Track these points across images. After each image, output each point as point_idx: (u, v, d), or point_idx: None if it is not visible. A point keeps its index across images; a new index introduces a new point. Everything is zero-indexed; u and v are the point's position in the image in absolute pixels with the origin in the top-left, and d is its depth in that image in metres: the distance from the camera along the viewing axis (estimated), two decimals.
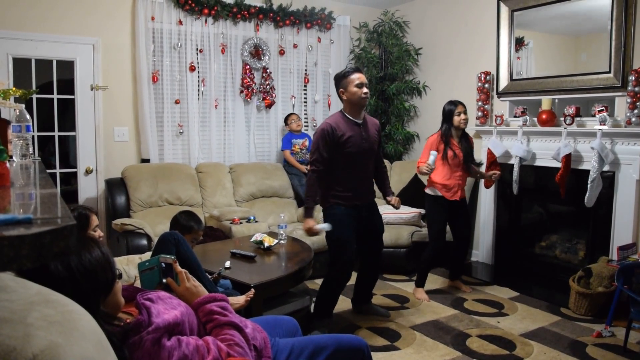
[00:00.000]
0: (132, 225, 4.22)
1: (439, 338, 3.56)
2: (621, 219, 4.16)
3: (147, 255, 3.03)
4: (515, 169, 4.76)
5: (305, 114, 6.19)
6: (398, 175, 5.81)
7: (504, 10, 5.05)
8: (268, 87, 5.76)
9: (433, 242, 4.32)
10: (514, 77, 5.06)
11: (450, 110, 4.22)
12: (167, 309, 1.46)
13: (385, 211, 4.67)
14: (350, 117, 3.47)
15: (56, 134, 4.82)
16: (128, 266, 2.97)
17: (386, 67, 6.31)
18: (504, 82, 5.13)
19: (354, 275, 3.86)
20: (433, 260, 4.37)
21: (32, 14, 4.56)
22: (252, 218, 4.85)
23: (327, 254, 3.98)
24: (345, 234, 3.51)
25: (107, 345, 1.07)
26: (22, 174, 1.63)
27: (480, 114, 5.27)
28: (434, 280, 4.73)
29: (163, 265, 1.78)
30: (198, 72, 5.38)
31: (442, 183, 4.22)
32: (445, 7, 5.86)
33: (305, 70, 6.14)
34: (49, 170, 4.87)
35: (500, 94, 5.17)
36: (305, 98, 6.20)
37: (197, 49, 5.34)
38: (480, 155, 5.20)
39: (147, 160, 5.12)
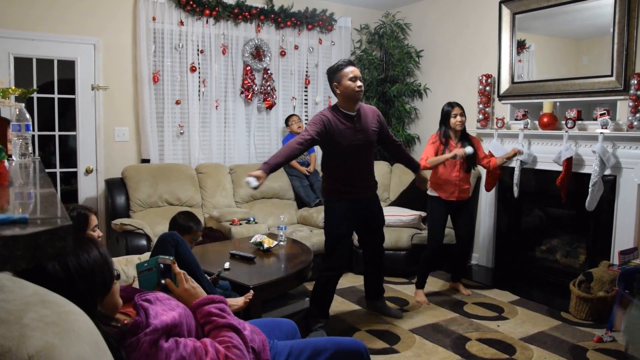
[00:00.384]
0: (132, 225, 4.21)
1: (439, 341, 3.54)
2: (622, 223, 4.14)
3: (147, 256, 3.02)
4: (516, 172, 4.74)
5: (306, 116, 6.19)
6: (398, 177, 5.80)
7: (506, 13, 5.05)
8: (269, 88, 5.75)
9: (429, 242, 4.32)
10: (516, 80, 5.05)
11: (447, 111, 4.24)
12: (165, 310, 1.45)
13: (386, 213, 4.66)
14: (344, 110, 3.45)
15: (57, 133, 4.81)
16: (127, 266, 2.96)
17: (387, 69, 6.31)
18: (505, 84, 5.12)
19: (359, 277, 3.86)
20: (431, 261, 4.35)
21: (34, 14, 4.55)
22: (251, 219, 4.84)
23: None
24: (343, 228, 3.52)
25: (104, 346, 1.06)
26: (21, 173, 1.62)
27: (481, 116, 5.26)
28: (434, 283, 4.72)
29: (162, 266, 1.77)
30: (199, 72, 5.37)
31: (438, 183, 4.24)
32: (447, 9, 5.85)
33: (306, 71, 6.13)
34: (49, 170, 4.86)
35: (501, 97, 5.17)
36: (306, 99, 6.20)
37: (198, 50, 5.34)
38: None
39: (147, 161, 5.11)
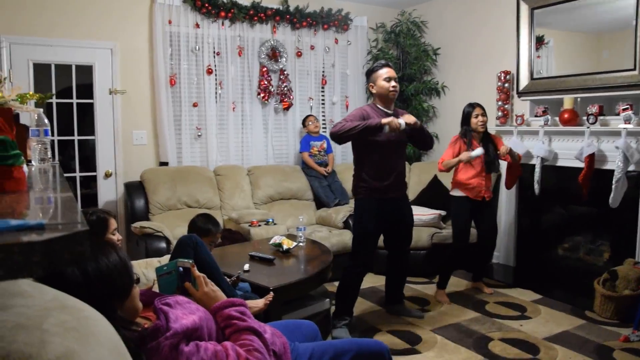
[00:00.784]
0: (151, 228, 4.23)
1: (461, 341, 3.50)
2: None
3: (166, 259, 3.02)
4: (537, 170, 4.68)
5: (323, 116, 6.17)
6: (417, 176, 5.75)
7: (524, 8, 4.97)
8: (285, 89, 5.75)
9: (455, 242, 4.31)
10: (535, 76, 4.98)
11: (468, 112, 4.23)
12: (185, 313, 1.44)
13: None
14: (382, 108, 3.54)
15: (76, 138, 4.85)
16: (147, 269, 2.97)
17: (404, 67, 6.26)
18: (524, 81, 5.05)
19: (381, 277, 3.85)
20: (454, 261, 4.32)
21: (51, 20, 4.60)
22: (270, 220, 4.83)
23: (346, 256, 3.97)
24: (370, 227, 3.54)
25: (124, 351, 1.05)
26: (39, 178, 1.63)
27: (500, 114, 5.19)
28: (456, 283, 4.67)
29: (181, 269, 1.76)
30: (215, 75, 5.38)
31: (465, 183, 4.21)
32: (464, 6, 5.79)
33: (323, 71, 6.11)
34: (68, 174, 4.92)
35: (520, 94, 5.09)
36: (323, 100, 6.18)
37: (214, 52, 5.35)
38: None
39: (166, 164, 5.14)
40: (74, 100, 4.81)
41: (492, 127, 5.17)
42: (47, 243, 0.62)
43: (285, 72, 5.75)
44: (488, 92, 5.35)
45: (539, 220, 5.10)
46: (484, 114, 4.20)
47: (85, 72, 4.84)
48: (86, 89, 4.87)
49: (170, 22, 5.07)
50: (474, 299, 4.33)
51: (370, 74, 3.59)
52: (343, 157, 6.24)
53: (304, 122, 5.76)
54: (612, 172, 4.09)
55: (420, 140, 3.73)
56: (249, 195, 5.28)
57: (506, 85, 5.17)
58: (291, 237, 4.12)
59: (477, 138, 4.21)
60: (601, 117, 4.32)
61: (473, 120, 4.18)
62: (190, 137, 5.31)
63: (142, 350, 1.32)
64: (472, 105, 4.22)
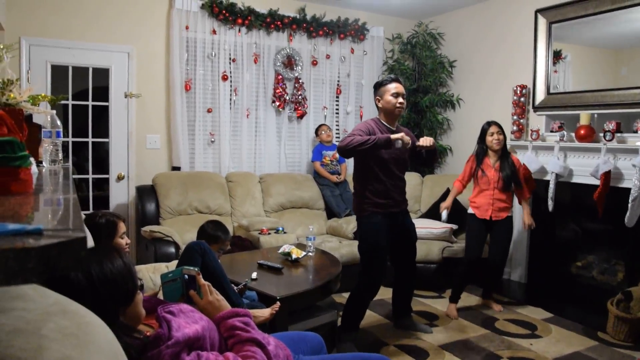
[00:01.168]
0: (161, 232, 4.23)
1: (469, 358, 3.44)
2: None
3: (174, 264, 3.01)
4: (551, 186, 4.62)
5: (337, 126, 6.15)
6: (430, 189, 5.70)
7: (542, 22, 4.94)
8: (300, 97, 5.75)
9: (465, 257, 4.30)
10: (551, 90, 4.93)
11: (484, 130, 4.23)
12: (188, 322, 1.42)
13: (417, 225, 4.58)
14: (385, 124, 3.51)
15: (90, 140, 4.88)
16: (154, 274, 2.96)
17: (419, 79, 6.23)
18: (540, 95, 5.00)
19: (389, 290, 3.81)
20: (465, 276, 4.28)
21: (70, 23, 4.65)
22: (280, 229, 4.81)
23: (355, 267, 3.93)
24: (379, 243, 3.49)
25: (124, 359, 1.04)
26: (49, 180, 1.63)
27: (515, 128, 5.14)
28: (465, 298, 4.60)
29: (186, 277, 1.74)
30: (230, 81, 5.40)
31: (472, 200, 4.29)
32: (481, 19, 5.76)
33: (338, 81, 6.10)
34: (82, 176, 4.94)
35: (536, 108, 5.04)
36: (337, 109, 6.17)
37: (230, 59, 5.37)
38: None
39: (178, 168, 5.15)
40: (90, 103, 4.84)
41: (507, 142, 5.11)
42: (44, 249, 0.60)
43: (300, 81, 5.75)
44: (503, 106, 5.31)
45: (552, 236, 5.03)
46: (501, 132, 4.17)
47: (102, 75, 4.88)
48: (102, 92, 4.91)
49: (187, 27, 5.09)
50: (483, 315, 4.26)
51: (378, 87, 3.55)
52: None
53: (316, 131, 5.75)
54: (628, 190, 4.02)
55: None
56: (260, 203, 5.27)
57: (522, 99, 5.12)
58: (300, 246, 4.09)
59: (493, 156, 4.19)
60: (618, 134, 4.25)
61: (488, 138, 4.18)
62: (203, 142, 5.32)
63: (143, 358, 1.30)
64: (489, 123, 4.22)
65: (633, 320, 3.68)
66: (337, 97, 6.13)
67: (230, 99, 5.42)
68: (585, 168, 4.46)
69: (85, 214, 2.64)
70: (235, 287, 2.82)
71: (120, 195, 5.03)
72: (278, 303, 2.77)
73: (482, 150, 4.22)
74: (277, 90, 5.60)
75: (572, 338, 3.82)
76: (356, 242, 4.83)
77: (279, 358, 1.65)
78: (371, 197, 3.46)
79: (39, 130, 2.09)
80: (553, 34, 4.88)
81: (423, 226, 4.88)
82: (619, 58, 4.63)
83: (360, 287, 3.57)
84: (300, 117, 5.79)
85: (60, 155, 2.01)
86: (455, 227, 4.98)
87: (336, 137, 6.06)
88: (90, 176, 4.94)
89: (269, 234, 4.67)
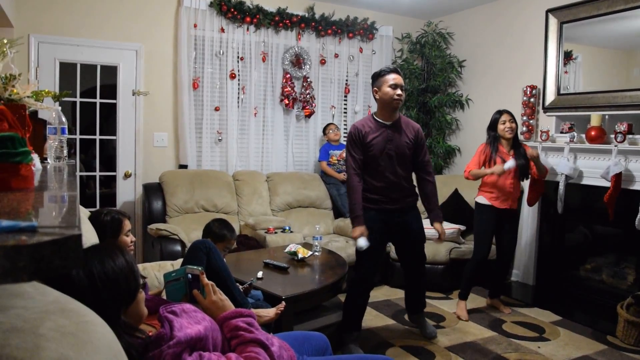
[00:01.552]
0: (167, 230, 4.22)
1: None
2: None
3: (180, 262, 3.00)
4: (561, 187, 4.57)
5: (345, 125, 6.13)
6: (438, 189, 5.61)
7: (553, 22, 4.89)
8: (308, 96, 5.73)
9: (474, 253, 4.22)
10: (562, 91, 4.88)
11: (496, 118, 4.18)
12: (190, 323, 1.40)
13: (424, 226, 4.55)
14: (379, 119, 3.41)
15: (97, 137, 4.88)
16: (160, 272, 2.95)
17: (428, 78, 6.20)
18: (550, 96, 4.95)
19: (394, 290, 3.77)
20: (474, 272, 4.22)
21: (79, 20, 4.65)
22: (287, 228, 4.79)
23: None
24: (369, 239, 3.36)
25: (124, 359, 1.02)
26: (52, 176, 1.61)
27: (525, 129, 5.10)
28: (472, 300, 4.56)
29: (190, 276, 1.72)
30: (238, 79, 5.38)
31: (490, 190, 4.14)
32: (491, 18, 5.72)
33: (346, 80, 6.08)
34: (89, 173, 4.95)
35: (546, 109, 4.99)
36: (345, 108, 6.14)
37: (238, 57, 5.35)
38: None
39: (185, 166, 5.14)
40: (97, 100, 4.84)
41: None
42: (36, 247, 0.58)
43: (309, 80, 5.73)
44: (513, 107, 5.24)
45: (561, 239, 4.98)
46: (513, 121, 4.14)
47: (110, 72, 4.88)
48: (110, 90, 4.91)
49: (195, 25, 5.08)
50: (490, 317, 4.23)
51: (376, 77, 3.40)
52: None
53: (324, 130, 5.73)
54: (639, 192, 3.97)
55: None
56: (266, 202, 5.26)
57: (532, 100, 5.08)
58: (307, 245, 4.08)
59: (505, 145, 4.13)
60: (630, 136, 4.20)
61: (500, 127, 4.12)
62: (210, 141, 5.31)
63: (145, 358, 1.29)
64: (500, 112, 4.18)
65: None
66: (346, 96, 6.10)
67: (238, 98, 5.40)
68: (595, 170, 4.40)
69: (90, 211, 2.63)
70: (240, 286, 2.80)
71: (127, 192, 5.02)
72: (283, 303, 2.75)
73: (495, 139, 4.14)
74: (285, 89, 5.58)
75: (580, 342, 3.77)
76: None
77: (282, 359, 1.63)
78: (365, 193, 3.41)
79: (44, 126, 2.08)
80: (564, 34, 4.83)
81: (430, 227, 4.83)
82: (631, 59, 4.57)
83: (353, 283, 3.52)
84: (308, 116, 5.77)
85: (66, 151, 2.00)
86: (463, 228, 4.94)
87: (344, 137, 6.03)
88: (98, 174, 4.95)
89: (276, 233, 4.66)
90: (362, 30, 5.98)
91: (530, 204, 4.80)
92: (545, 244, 5.06)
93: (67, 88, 4.57)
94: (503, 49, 5.57)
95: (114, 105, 4.92)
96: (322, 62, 5.82)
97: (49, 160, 1.97)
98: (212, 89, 5.26)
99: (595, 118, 4.43)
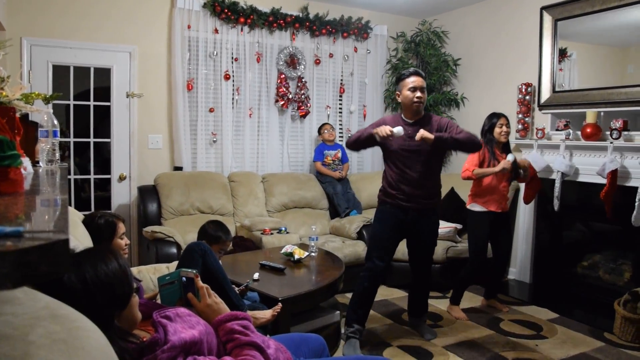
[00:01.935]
0: (162, 233, 4.20)
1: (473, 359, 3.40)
2: None
3: (176, 265, 2.98)
4: (557, 185, 4.57)
5: (340, 125, 6.11)
6: None
7: (547, 20, 4.89)
8: (303, 96, 5.71)
9: (473, 259, 4.17)
10: (557, 89, 4.87)
11: (493, 122, 4.13)
12: (185, 327, 1.38)
13: None
14: (404, 118, 3.48)
15: (91, 140, 4.86)
16: (155, 275, 2.93)
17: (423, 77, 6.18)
18: (546, 94, 4.95)
19: (392, 290, 3.76)
20: (471, 278, 4.22)
21: (72, 23, 4.62)
22: (283, 229, 4.78)
23: (358, 267, 3.89)
24: (380, 231, 3.50)
25: None
26: (43, 180, 1.59)
27: (520, 126, 5.09)
28: (470, 298, 4.56)
29: (184, 279, 1.70)
30: (233, 80, 5.36)
31: (484, 196, 4.10)
32: (486, 16, 5.71)
33: (341, 80, 6.06)
34: (84, 176, 4.92)
35: (542, 107, 4.99)
36: (340, 108, 6.13)
37: (232, 58, 5.33)
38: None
39: (180, 168, 5.11)
40: (91, 103, 4.82)
41: (512, 140, 5.08)
42: (20, 253, 0.56)
43: (303, 80, 5.72)
44: (508, 104, 5.26)
45: (558, 236, 4.98)
46: (508, 125, 4.13)
47: (104, 75, 4.85)
48: (104, 92, 4.88)
49: (189, 26, 5.06)
50: (488, 316, 4.22)
51: (398, 81, 3.50)
52: (359, 167, 6.17)
53: (319, 130, 5.71)
54: (635, 189, 3.97)
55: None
56: (262, 203, 5.24)
57: (527, 97, 5.07)
58: (303, 246, 4.06)
59: (498, 148, 4.13)
60: (625, 133, 4.20)
61: (497, 130, 4.09)
62: (205, 142, 5.29)
63: None
64: (498, 115, 4.15)
65: None
66: (341, 96, 6.09)
67: (233, 99, 5.38)
68: (591, 167, 4.41)
69: (84, 215, 2.61)
70: (236, 288, 2.79)
71: (122, 195, 5.00)
72: (280, 304, 2.73)
73: (491, 142, 4.12)
74: (280, 90, 5.56)
75: (578, 339, 3.77)
76: (359, 242, 4.83)
77: None
78: (385, 187, 3.54)
79: (36, 129, 2.06)
80: (559, 31, 4.83)
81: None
82: (626, 55, 4.58)
83: (362, 273, 3.56)
84: (303, 116, 5.75)
85: (58, 155, 1.98)
86: (459, 226, 4.93)
87: (339, 137, 6.02)
88: (92, 177, 4.92)
89: (272, 234, 4.64)
90: (356, 30, 5.96)
91: (526, 201, 4.81)
92: (542, 242, 5.06)
93: (61, 91, 4.55)
94: (498, 47, 5.57)
95: (108, 107, 4.89)
96: (317, 62, 5.80)
97: (40, 164, 1.95)
98: (207, 90, 5.24)
99: (590, 115, 4.43)
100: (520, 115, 5.10)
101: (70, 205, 4.60)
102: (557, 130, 4.80)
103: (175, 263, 3.04)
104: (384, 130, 3.17)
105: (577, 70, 4.89)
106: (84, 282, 1.25)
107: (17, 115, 1.53)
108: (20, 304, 0.89)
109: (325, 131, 5.62)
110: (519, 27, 5.28)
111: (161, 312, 1.41)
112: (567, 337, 3.81)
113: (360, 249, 4.73)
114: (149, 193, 4.80)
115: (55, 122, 1.96)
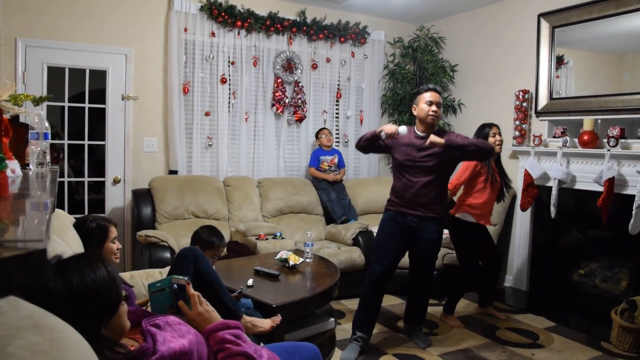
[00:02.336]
0: (156, 237, 4.15)
1: None
2: None
3: (167, 271, 2.93)
4: (554, 192, 4.54)
5: (337, 130, 6.08)
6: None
7: (545, 27, 4.88)
8: (299, 101, 5.68)
9: (469, 268, 4.14)
10: (554, 96, 4.86)
11: (487, 132, 4.09)
12: (174, 336, 1.34)
13: None
14: (416, 131, 3.56)
15: (86, 142, 4.81)
16: (147, 280, 2.89)
17: (421, 83, 6.16)
18: (543, 101, 4.94)
19: (388, 297, 3.72)
20: (464, 288, 4.21)
21: (68, 24, 4.59)
22: (278, 234, 4.73)
23: (354, 274, 3.87)
24: (382, 237, 3.58)
25: None
26: (33, 183, 1.55)
27: (517, 133, 5.07)
28: (466, 306, 4.53)
29: (175, 286, 1.66)
30: (229, 84, 5.33)
31: (481, 208, 4.04)
32: (483, 23, 5.70)
33: (338, 85, 6.04)
34: (78, 179, 4.87)
35: (539, 114, 4.98)
36: (337, 113, 6.10)
37: (229, 61, 5.30)
38: (517, 176, 5.02)
39: (175, 172, 5.07)
40: (86, 105, 4.78)
41: (509, 147, 5.07)
42: None
43: (300, 84, 5.69)
44: (505, 111, 5.25)
45: (555, 243, 4.95)
46: (500, 134, 4.10)
47: (99, 77, 4.81)
48: (99, 94, 4.84)
49: (186, 29, 5.03)
50: (484, 324, 4.18)
51: (415, 95, 3.64)
52: (355, 173, 6.14)
53: (317, 134, 5.68)
54: (632, 197, 3.95)
55: (466, 154, 3.52)
56: (257, 208, 5.20)
57: (524, 104, 5.06)
58: (298, 252, 4.02)
59: (493, 159, 4.09)
60: (622, 140, 4.18)
61: (490, 140, 4.05)
62: (201, 146, 5.25)
63: None
64: (489, 125, 4.12)
65: (638, 330, 3.60)
66: (337, 101, 6.06)
67: (229, 102, 5.35)
68: (588, 174, 4.39)
69: (75, 218, 2.57)
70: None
71: (116, 199, 4.95)
72: (279, 316, 2.69)
73: None
74: (277, 94, 5.53)
75: (575, 348, 3.73)
76: (355, 249, 4.79)
77: None
78: (391, 195, 3.64)
79: (26, 131, 2.02)
80: (556, 38, 4.81)
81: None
82: (623, 63, 4.56)
83: (365, 281, 3.61)
84: (299, 120, 5.72)
85: (48, 157, 1.94)
86: None
87: (336, 142, 5.99)
88: (86, 179, 4.87)
89: (267, 239, 4.59)
90: (354, 35, 5.94)
91: (523, 208, 4.79)
92: (539, 249, 5.03)
93: (56, 93, 4.51)
94: (495, 54, 5.55)
95: (103, 110, 4.85)
96: (314, 66, 5.78)
97: (30, 167, 1.91)
98: (203, 93, 5.21)
99: (587, 122, 4.42)
100: (517, 122, 5.09)
101: (63, 208, 4.55)
102: (554, 137, 4.78)
103: (169, 268, 3.00)
104: (390, 127, 3.32)
105: (574, 77, 4.88)
106: (71, 289, 1.21)
107: (7, 117, 1.50)
108: (1, 313, 0.85)
109: (323, 136, 5.58)
110: (517, 33, 5.27)
111: (150, 320, 1.36)
112: (564, 346, 3.77)
113: (355, 255, 4.69)
114: (143, 196, 4.75)
115: (47, 124, 1.92)
